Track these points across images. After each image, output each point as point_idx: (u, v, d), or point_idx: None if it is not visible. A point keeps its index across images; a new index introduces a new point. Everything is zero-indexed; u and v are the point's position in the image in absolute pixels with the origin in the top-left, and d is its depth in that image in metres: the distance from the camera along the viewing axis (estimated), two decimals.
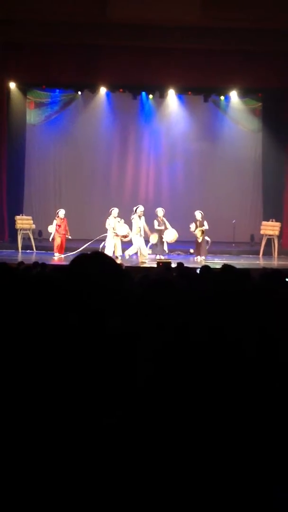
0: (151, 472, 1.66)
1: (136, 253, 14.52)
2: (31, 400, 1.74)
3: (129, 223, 14.47)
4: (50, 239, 15.51)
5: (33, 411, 1.71)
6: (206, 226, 15.12)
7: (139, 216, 14.36)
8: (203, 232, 15.10)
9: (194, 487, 1.68)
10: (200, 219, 15.17)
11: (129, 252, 14.47)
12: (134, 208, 14.46)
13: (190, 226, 15.14)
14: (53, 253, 15.30)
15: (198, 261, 14.57)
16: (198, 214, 15.23)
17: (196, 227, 15.11)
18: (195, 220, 15.18)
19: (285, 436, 1.89)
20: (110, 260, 1.95)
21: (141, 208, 14.38)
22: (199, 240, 15.07)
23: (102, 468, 1.62)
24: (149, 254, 14.91)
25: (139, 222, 14.35)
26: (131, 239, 14.41)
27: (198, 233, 15.04)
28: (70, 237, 15.45)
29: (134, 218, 14.33)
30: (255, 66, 16.18)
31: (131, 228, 14.34)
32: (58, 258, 14.89)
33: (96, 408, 1.67)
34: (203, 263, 13.63)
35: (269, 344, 2.37)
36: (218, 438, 1.80)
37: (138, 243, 14.33)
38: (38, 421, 1.69)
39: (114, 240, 14.47)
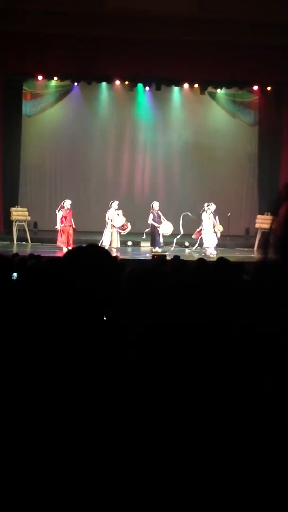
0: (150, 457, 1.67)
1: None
2: (26, 389, 1.75)
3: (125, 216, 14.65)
4: (57, 227, 14.98)
5: (29, 399, 1.72)
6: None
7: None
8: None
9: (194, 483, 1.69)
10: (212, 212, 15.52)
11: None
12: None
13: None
14: (57, 246, 14.72)
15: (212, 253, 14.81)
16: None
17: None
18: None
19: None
20: (104, 253, 1.96)
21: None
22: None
23: (101, 465, 1.62)
24: (144, 247, 15.00)
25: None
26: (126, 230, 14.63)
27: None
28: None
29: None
30: (252, 59, 16.13)
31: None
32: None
33: (94, 402, 1.67)
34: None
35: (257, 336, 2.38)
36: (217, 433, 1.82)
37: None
38: (36, 412, 1.70)
39: (112, 231, 14.50)
